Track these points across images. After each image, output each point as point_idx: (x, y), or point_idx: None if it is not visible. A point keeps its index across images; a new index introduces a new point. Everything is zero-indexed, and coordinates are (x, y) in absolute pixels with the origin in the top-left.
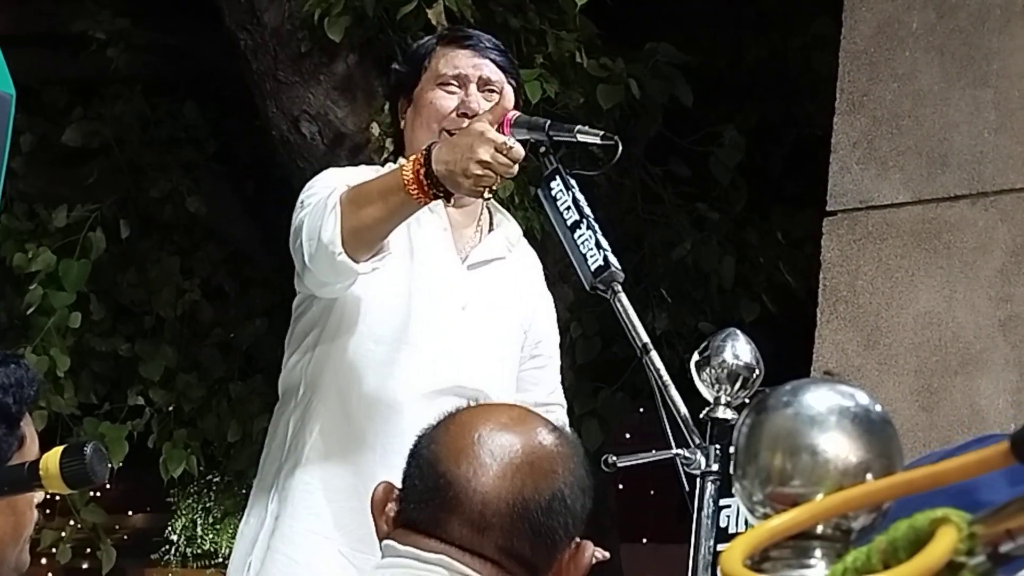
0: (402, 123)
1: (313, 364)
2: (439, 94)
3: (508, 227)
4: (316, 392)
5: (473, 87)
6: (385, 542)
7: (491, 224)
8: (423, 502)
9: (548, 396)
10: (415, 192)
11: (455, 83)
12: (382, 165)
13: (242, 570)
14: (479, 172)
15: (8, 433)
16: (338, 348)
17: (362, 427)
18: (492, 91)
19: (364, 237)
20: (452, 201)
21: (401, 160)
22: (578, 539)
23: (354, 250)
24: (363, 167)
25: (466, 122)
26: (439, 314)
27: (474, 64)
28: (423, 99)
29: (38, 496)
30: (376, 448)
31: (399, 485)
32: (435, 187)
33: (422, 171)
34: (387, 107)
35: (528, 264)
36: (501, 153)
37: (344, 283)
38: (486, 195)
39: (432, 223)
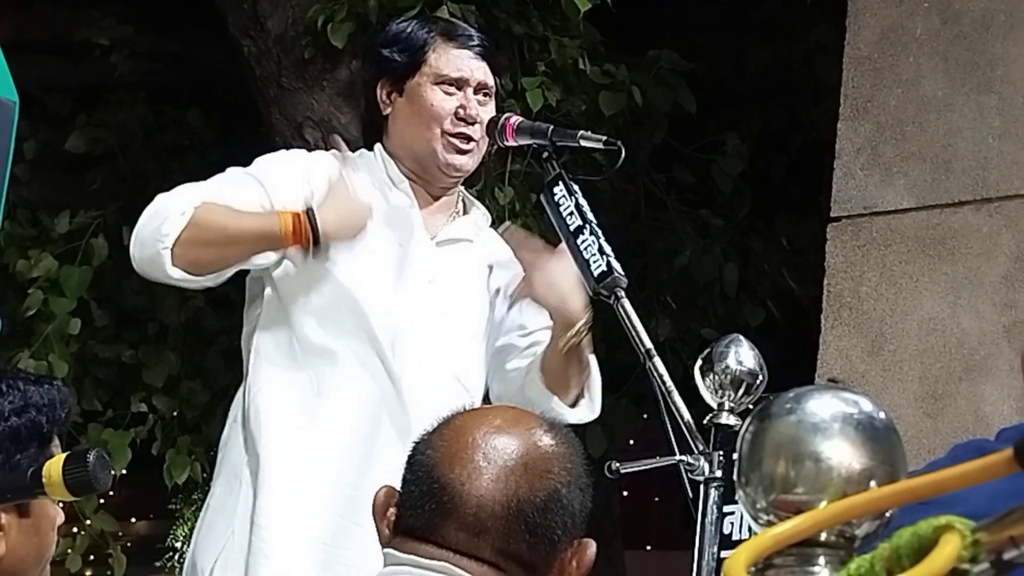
0: (385, 109)
1: (258, 339)
2: (439, 95)
3: (477, 213)
4: (273, 365)
5: (471, 91)
6: (385, 550)
7: (464, 209)
8: (419, 508)
9: None
10: (291, 242)
11: (455, 85)
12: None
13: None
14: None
15: (39, 452)
16: (296, 321)
17: (334, 395)
18: (487, 95)
19: (203, 260)
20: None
21: (280, 206)
22: (580, 537)
23: (185, 263)
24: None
25: (464, 125)
26: (407, 285)
27: (473, 68)
28: (421, 97)
29: (59, 518)
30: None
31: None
32: (316, 242)
33: (306, 227)
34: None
35: (498, 247)
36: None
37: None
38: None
39: (399, 200)
